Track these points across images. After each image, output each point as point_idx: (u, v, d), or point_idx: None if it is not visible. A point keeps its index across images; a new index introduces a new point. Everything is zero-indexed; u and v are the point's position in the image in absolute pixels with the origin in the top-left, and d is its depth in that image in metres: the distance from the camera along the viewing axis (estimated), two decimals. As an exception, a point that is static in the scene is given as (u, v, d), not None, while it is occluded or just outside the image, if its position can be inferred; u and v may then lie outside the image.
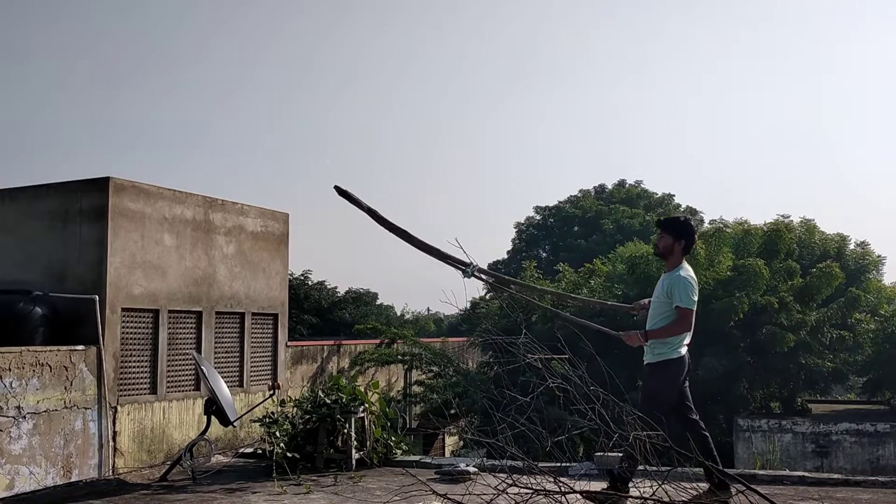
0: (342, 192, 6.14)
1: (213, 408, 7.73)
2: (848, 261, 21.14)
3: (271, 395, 8.38)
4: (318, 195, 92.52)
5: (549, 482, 5.21)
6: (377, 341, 18.21)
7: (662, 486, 4.95)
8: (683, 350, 6.12)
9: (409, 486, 5.90)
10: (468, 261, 6.13)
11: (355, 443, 7.98)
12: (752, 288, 17.58)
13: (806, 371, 18.44)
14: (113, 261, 7.95)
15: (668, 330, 6.00)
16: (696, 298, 6.01)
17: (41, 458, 7.15)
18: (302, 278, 30.82)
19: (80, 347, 7.63)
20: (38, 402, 7.14)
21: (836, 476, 7.23)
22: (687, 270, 6.06)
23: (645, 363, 6.14)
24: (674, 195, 39.83)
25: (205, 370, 7.72)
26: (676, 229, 6.13)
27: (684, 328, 5.97)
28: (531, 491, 4.99)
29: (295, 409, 8.25)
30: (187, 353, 8.74)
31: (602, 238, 34.56)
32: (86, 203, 8.08)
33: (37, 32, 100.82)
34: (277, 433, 7.78)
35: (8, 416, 6.87)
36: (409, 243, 6.21)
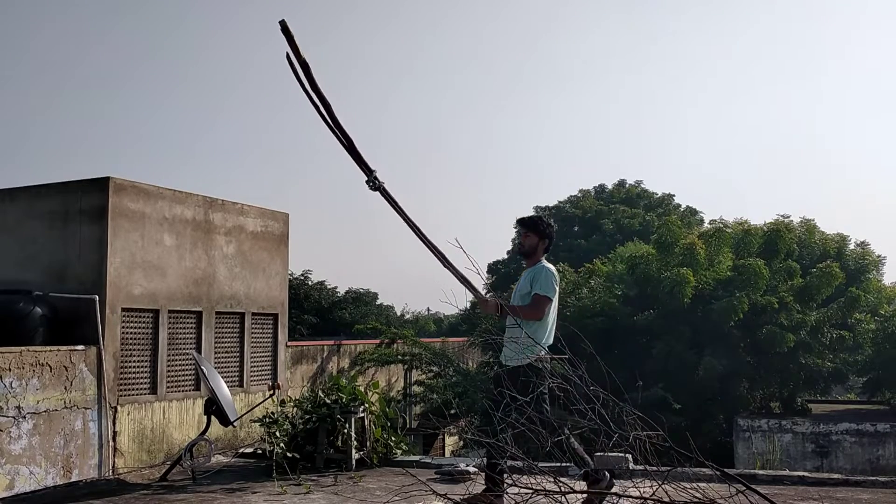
0: (286, 30, 5.63)
1: (213, 408, 7.73)
2: (848, 261, 21.12)
3: (271, 395, 8.38)
4: (318, 195, 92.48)
5: (549, 482, 5.20)
6: (377, 341, 18.22)
7: (663, 486, 4.95)
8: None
9: (409, 486, 5.90)
10: (373, 169, 5.84)
11: (355, 443, 7.98)
12: (752, 288, 17.59)
13: (806, 371, 18.45)
14: (113, 261, 7.95)
15: (522, 310, 6.02)
16: (556, 289, 6.12)
17: (41, 458, 7.14)
18: (302, 278, 30.81)
19: (80, 347, 7.63)
20: (38, 402, 7.14)
21: (836, 476, 7.23)
22: (549, 264, 6.23)
23: (511, 367, 5.88)
24: (674, 195, 39.75)
25: (205, 370, 7.72)
26: (541, 229, 6.28)
27: (537, 314, 5.98)
28: (531, 491, 4.98)
29: (295, 409, 8.25)
30: (187, 353, 8.74)
31: (602, 238, 34.54)
32: (86, 203, 8.08)
33: (37, 32, 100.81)
34: (277, 433, 7.77)
35: (8, 416, 6.86)
36: (325, 122, 6.03)
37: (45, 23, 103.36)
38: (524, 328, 5.78)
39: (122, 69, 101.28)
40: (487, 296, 6.24)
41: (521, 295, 6.16)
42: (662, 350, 17.45)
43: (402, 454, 8.43)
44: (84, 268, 8.00)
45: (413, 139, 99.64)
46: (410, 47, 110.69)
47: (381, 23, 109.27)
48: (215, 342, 9.22)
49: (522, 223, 6.38)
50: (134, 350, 8.25)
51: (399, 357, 17.96)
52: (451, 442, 20.05)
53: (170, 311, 8.60)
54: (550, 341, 6.08)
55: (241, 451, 8.95)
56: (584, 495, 5.69)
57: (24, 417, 7.01)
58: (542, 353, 5.88)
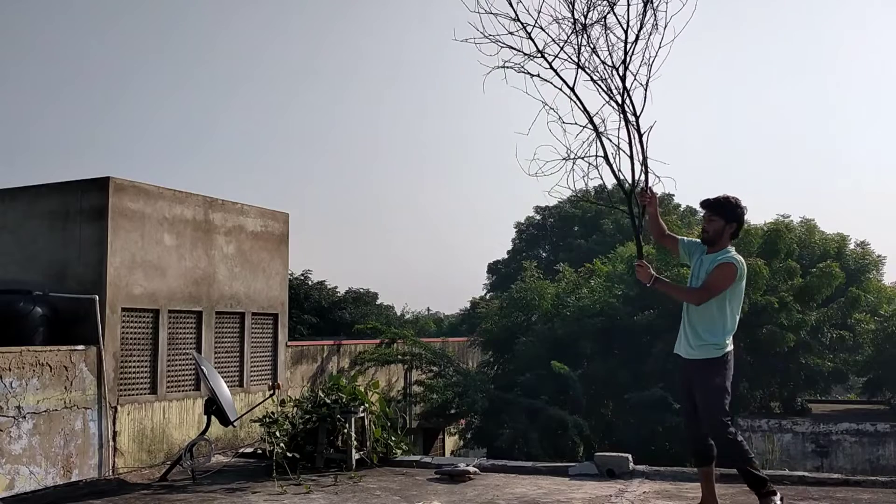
0: None
1: (213, 408, 7.73)
2: (848, 261, 21.15)
3: (271, 395, 8.37)
4: (318, 195, 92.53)
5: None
6: (377, 341, 18.21)
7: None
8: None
9: (409, 486, 5.90)
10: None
11: (355, 443, 7.98)
12: (752, 288, 17.58)
13: (806, 371, 18.46)
14: (113, 261, 7.95)
15: (683, 291, 5.65)
16: (738, 281, 5.50)
17: (41, 458, 7.14)
18: (302, 278, 30.80)
19: (80, 347, 7.63)
20: (38, 402, 7.14)
21: (836, 476, 7.22)
22: (737, 254, 5.59)
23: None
24: (673, 195, 39.71)
25: (205, 370, 7.72)
26: (728, 211, 5.52)
27: (696, 297, 5.45)
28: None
29: (295, 409, 8.24)
30: (187, 353, 8.74)
31: (602, 238, 34.54)
32: (86, 203, 8.08)
33: (38, 32, 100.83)
34: (277, 433, 7.77)
35: (8, 416, 6.86)
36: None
37: (46, 22, 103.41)
38: (700, 318, 5.40)
39: (123, 69, 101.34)
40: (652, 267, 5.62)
41: (699, 279, 5.53)
42: (662, 350, 17.44)
43: (402, 454, 8.43)
44: (84, 268, 8.00)
45: (413, 137, 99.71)
46: (411, 45, 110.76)
47: (381, 22, 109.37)
48: (215, 342, 9.21)
49: (706, 205, 5.59)
50: (134, 350, 8.25)
51: (399, 357, 17.96)
52: (451, 442, 20.06)
53: (170, 311, 8.60)
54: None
55: (241, 451, 8.94)
56: None
57: (24, 417, 7.01)
58: (730, 346, 5.48)
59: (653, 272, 5.61)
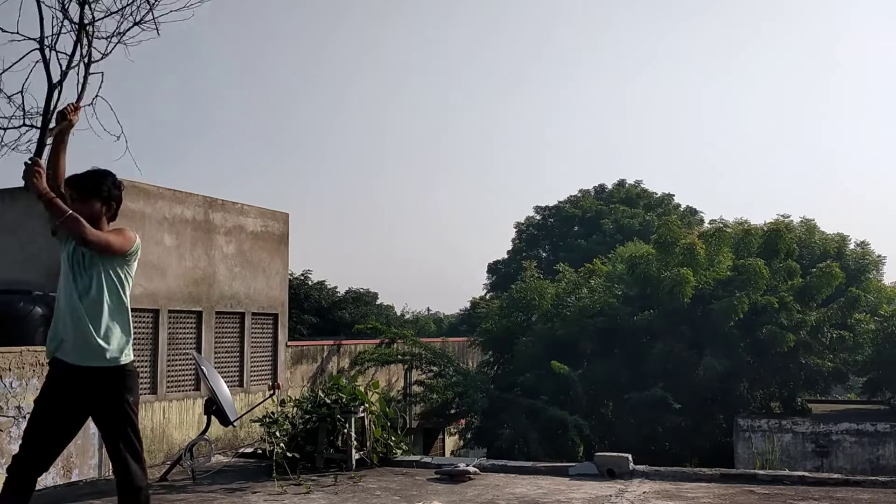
0: None
1: (213, 408, 7.72)
2: (848, 261, 21.13)
3: (271, 395, 8.37)
4: (318, 195, 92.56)
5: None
6: (377, 341, 18.19)
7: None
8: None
9: (409, 486, 5.90)
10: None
11: (355, 443, 7.98)
12: (752, 288, 17.59)
13: (806, 371, 18.44)
14: (113, 261, 7.93)
15: (95, 234, 4.10)
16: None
17: (41, 458, 7.13)
18: (302, 278, 30.79)
19: (80, 347, 7.62)
20: (38, 402, 7.13)
21: (836, 476, 7.23)
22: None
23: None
24: (674, 195, 39.78)
25: (205, 370, 7.71)
26: (103, 191, 4.31)
27: (119, 243, 4.19)
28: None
29: (295, 409, 8.24)
30: (187, 353, 8.74)
31: (602, 238, 34.52)
32: (86, 203, 8.06)
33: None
34: (277, 433, 7.77)
35: (8, 416, 6.86)
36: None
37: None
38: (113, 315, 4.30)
39: (122, 68, 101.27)
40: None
41: (83, 266, 4.20)
42: (662, 350, 17.44)
43: (402, 454, 8.43)
44: (84, 268, 7.98)
45: (415, 139, 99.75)
46: (412, 47, 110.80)
47: (383, 23, 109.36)
48: (215, 342, 9.21)
49: (71, 184, 4.38)
50: (134, 350, 8.23)
51: (399, 357, 17.94)
52: (451, 442, 20.07)
53: (170, 311, 8.60)
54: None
55: (241, 451, 8.94)
56: None
57: (25, 417, 7.00)
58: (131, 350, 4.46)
59: (47, 188, 4.11)
